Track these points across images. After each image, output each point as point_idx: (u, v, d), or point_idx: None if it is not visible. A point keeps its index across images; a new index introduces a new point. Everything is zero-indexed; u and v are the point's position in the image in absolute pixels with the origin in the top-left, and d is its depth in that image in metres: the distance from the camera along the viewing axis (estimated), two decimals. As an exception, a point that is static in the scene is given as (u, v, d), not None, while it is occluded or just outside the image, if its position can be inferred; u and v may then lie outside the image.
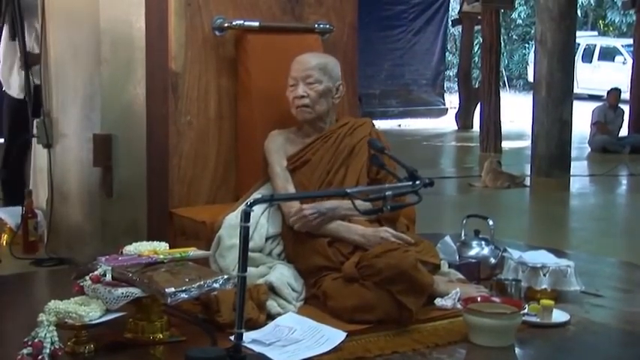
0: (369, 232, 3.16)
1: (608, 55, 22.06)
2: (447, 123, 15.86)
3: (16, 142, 4.96)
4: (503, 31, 16.21)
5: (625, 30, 24.88)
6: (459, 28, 16.74)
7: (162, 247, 2.92)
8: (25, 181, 4.89)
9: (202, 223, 3.36)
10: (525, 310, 2.92)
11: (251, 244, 3.06)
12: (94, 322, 2.60)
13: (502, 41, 13.64)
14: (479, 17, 12.97)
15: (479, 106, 12.40)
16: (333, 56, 3.53)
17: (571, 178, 8.40)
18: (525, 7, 25.06)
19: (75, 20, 4.15)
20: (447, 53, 19.01)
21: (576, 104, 8.63)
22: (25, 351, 2.45)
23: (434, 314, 3.03)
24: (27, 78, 4.45)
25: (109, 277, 2.69)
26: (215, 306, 2.86)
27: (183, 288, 2.62)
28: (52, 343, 2.48)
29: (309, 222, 3.18)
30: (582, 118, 12.01)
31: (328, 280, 3.10)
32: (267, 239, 3.29)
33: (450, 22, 17.48)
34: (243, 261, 2.42)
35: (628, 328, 3.07)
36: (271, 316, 2.94)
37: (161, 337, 2.73)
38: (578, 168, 9.68)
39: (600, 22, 26.89)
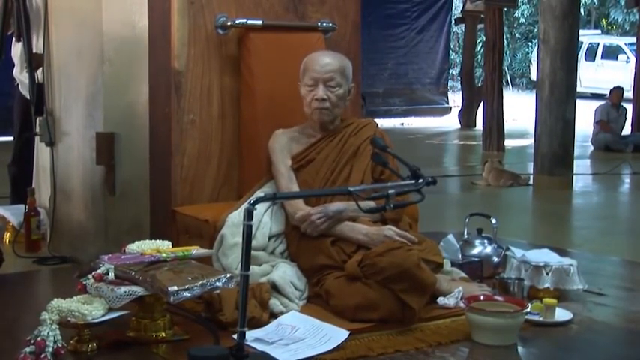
0: (372, 231, 3.16)
1: (611, 53, 22.06)
2: (450, 121, 15.87)
3: (20, 140, 4.96)
4: (506, 29, 16.20)
5: (628, 29, 24.88)
6: (462, 26, 16.75)
7: (165, 245, 2.93)
8: (32, 179, 4.90)
9: (205, 222, 3.36)
10: (528, 309, 2.92)
11: (254, 243, 3.07)
12: (96, 320, 2.61)
13: (505, 40, 13.62)
14: (482, 16, 12.96)
15: (482, 104, 12.39)
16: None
17: (574, 177, 8.39)
18: (528, 6, 25.05)
19: (78, 20, 4.15)
20: (450, 52, 19.00)
21: (579, 103, 8.61)
22: (27, 349, 2.45)
23: (436, 313, 3.03)
24: (31, 78, 4.45)
25: (111, 276, 2.69)
26: (218, 304, 2.86)
27: (186, 286, 2.62)
28: (55, 342, 2.48)
29: (318, 227, 3.19)
30: (585, 116, 12.00)
31: (331, 278, 3.10)
32: (270, 238, 3.29)
33: (453, 21, 17.49)
34: (246, 259, 2.42)
35: (631, 327, 3.07)
36: (274, 315, 2.94)
37: (164, 335, 2.74)
38: (581, 166, 9.67)
39: (603, 20, 26.87)
